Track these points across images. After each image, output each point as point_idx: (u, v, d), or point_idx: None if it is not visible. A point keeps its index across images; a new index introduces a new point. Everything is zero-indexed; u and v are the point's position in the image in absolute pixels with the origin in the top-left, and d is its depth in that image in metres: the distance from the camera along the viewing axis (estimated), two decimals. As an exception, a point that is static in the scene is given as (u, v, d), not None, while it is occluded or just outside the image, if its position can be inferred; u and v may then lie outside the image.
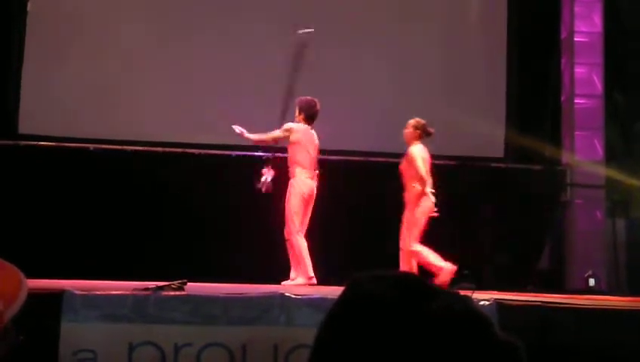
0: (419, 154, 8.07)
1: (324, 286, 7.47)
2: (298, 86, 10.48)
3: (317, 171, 8.24)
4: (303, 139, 8.16)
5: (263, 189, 8.15)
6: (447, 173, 10.08)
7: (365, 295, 1.09)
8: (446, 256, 9.18)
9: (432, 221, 7.98)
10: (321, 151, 9.06)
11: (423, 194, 7.89)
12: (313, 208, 8.16)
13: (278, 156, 8.62)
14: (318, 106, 8.30)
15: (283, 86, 10.40)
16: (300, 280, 7.81)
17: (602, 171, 11.42)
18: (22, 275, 1.40)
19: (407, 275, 1.14)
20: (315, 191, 8.14)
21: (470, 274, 8.40)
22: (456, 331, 1.05)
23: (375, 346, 1.03)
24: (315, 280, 7.80)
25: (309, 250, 7.96)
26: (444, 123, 10.36)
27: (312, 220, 8.18)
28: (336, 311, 1.11)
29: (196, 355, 5.22)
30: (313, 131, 8.31)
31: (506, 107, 11.19)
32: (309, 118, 8.29)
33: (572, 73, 11.60)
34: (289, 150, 8.22)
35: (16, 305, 1.31)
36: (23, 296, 1.34)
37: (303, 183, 8.06)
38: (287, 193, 8.04)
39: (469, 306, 1.10)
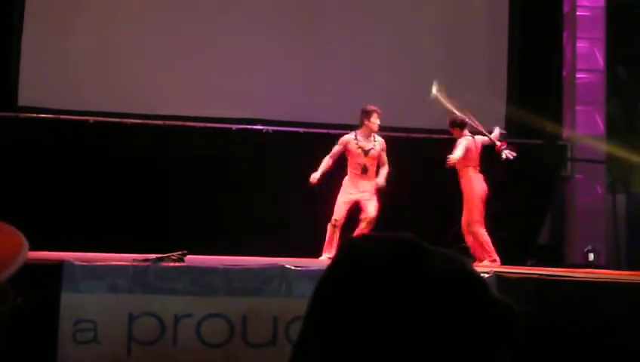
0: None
1: (326, 259, 7.50)
2: (302, 66, 10.45)
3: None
4: None
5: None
6: (448, 148, 10.07)
7: (361, 255, 1.08)
8: (447, 230, 9.19)
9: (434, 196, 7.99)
10: (328, 126, 9.12)
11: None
12: None
13: None
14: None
15: (283, 59, 10.38)
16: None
17: (603, 146, 11.40)
18: (23, 238, 1.39)
19: (403, 236, 1.13)
20: None
21: (469, 248, 8.43)
22: (453, 290, 1.05)
23: (371, 305, 1.03)
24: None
25: None
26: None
27: None
28: (331, 271, 1.10)
29: (196, 326, 5.24)
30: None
31: (507, 82, 11.14)
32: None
33: (574, 48, 11.54)
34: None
35: (14, 266, 1.30)
36: (21, 258, 1.33)
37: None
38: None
39: (465, 267, 1.10)
